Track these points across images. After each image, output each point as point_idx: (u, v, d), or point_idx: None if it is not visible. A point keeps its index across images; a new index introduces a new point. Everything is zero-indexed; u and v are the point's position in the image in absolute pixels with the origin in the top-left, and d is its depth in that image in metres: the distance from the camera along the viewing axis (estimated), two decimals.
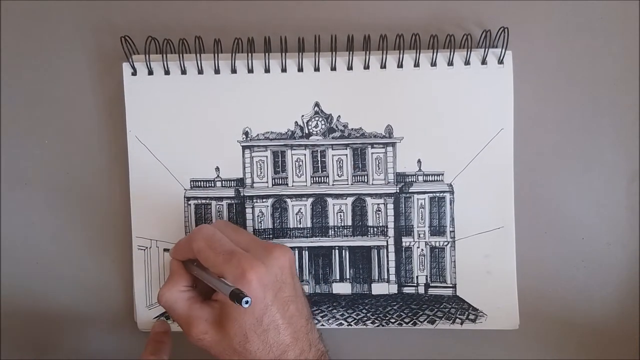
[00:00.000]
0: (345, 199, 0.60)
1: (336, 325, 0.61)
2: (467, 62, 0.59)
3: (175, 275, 0.53)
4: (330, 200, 0.60)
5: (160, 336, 0.57)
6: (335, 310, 0.61)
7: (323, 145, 0.60)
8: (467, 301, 0.60)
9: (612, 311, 0.61)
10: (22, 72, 0.61)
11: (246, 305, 0.46)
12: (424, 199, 0.60)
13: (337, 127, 0.60)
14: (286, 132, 0.60)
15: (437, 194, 0.60)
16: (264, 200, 0.61)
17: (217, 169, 0.60)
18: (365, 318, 0.61)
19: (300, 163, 0.60)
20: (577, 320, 0.61)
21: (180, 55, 0.59)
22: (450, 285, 0.60)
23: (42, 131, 0.62)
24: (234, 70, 0.59)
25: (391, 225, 0.60)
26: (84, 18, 0.61)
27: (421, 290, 0.61)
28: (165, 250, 0.59)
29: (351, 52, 0.58)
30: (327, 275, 0.61)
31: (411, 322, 0.60)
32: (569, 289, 0.61)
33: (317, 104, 0.59)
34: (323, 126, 0.60)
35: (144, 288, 0.60)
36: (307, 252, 0.61)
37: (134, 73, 0.59)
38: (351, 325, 0.60)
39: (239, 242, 0.52)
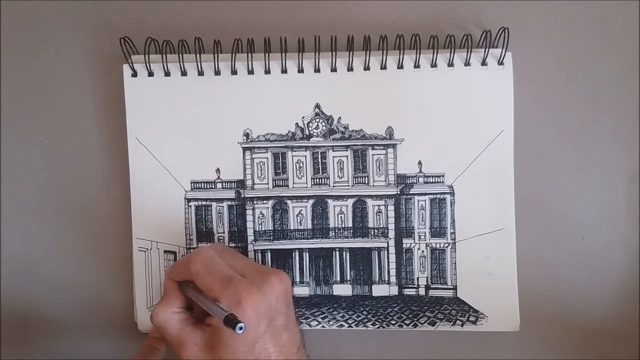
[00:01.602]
0: (346, 200, 0.60)
1: (336, 326, 0.61)
2: (467, 63, 0.59)
3: (169, 296, 0.53)
4: (330, 202, 0.60)
5: (155, 342, 0.57)
6: (335, 312, 0.61)
7: (324, 146, 0.60)
8: (467, 303, 0.60)
9: (612, 311, 0.61)
10: (22, 73, 0.61)
11: (240, 332, 0.45)
12: (425, 200, 0.60)
13: (337, 128, 0.60)
14: (287, 134, 0.60)
15: (438, 196, 0.60)
16: (265, 201, 0.60)
17: (218, 170, 0.60)
18: (366, 319, 0.60)
19: (301, 164, 0.60)
20: (577, 321, 0.61)
21: (180, 56, 0.58)
22: (451, 286, 0.60)
23: (42, 132, 0.62)
24: (234, 72, 0.59)
25: (392, 226, 0.60)
26: (83, 19, 0.61)
27: (422, 291, 0.61)
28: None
29: (351, 53, 0.58)
30: (327, 276, 0.61)
31: (412, 324, 0.60)
32: (570, 289, 0.61)
33: (317, 106, 0.59)
34: (324, 127, 0.60)
35: (145, 289, 0.60)
36: (307, 253, 0.61)
37: (134, 74, 0.59)
38: (351, 326, 0.60)
39: (237, 267, 0.51)
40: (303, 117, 0.60)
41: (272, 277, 0.51)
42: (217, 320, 0.47)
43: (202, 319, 0.52)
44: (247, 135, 0.60)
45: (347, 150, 0.60)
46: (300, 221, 0.61)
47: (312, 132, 0.60)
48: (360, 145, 0.60)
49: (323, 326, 0.60)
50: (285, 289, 0.51)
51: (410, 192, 0.60)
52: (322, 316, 0.61)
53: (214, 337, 0.50)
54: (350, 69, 0.59)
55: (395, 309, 0.60)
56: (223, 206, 0.61)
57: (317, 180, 0.60)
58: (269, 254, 0.61)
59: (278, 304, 0.50)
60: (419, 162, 0.60)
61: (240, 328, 0.45)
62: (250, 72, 0.59)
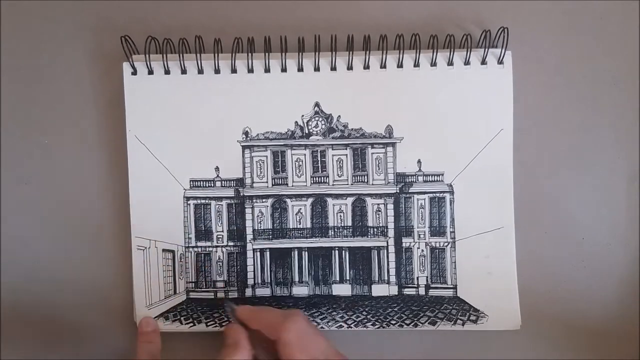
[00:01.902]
0: (345, 199, 0.60)
1: (336, 327, 0.60)
2: (467, 62, 0.59)
3: (243, 350, 0.51)
4: (330, 201, 0.60)
5: (150, 336, 0.56)
6: (335, 312, 0.60)
7: (323, 145, 0.60)
8: (468, 302, 0.60)
9: (612, 311, 0.61)
10: (22, 72, 0.61)
11: None
12: (424, 199, 0.60)
13: (337, 127, 0.60)
14: (286, 132, 0.60)
15: (437, 194, 0.60)
16: (264, 200, 0.60)
17: (217, 168, 0.60)
18: (366, 320, 0.60)
19: (300, 163, 0.60)
20: (578, 320, 0.61)
21: (181, 55, 0.59)
22: (451, 286, 0.60)
23: (42, 131, 0.62)
24: (234, 70, 0.59)
25: (391, 225, 0.60)
26: (84, 18, 0.61)
27: (422, 291, 0.60)
28: (231, 310, 0.55)
29: (351, 52, 0.58)
30: (326, 276, 0.61)
31: (412, 324, 0.60)
32: (570, 289, 0.61)
33: (317, 104, 0.59)
34: (323, 126, 0.60)
35: (144, 288, 0.60)
36: (306, 252, 0.61)
37: (134, 73, 0.59)
38: (351, 327, 0.60)
39: (321, 351, 0.51)
40: (303, 116, 0.60)
41: None
42: None
43: None
44: (246, 133, 0.60)
45: (346, 149, 0.60)
46: (300, 220, 0.60)
47: (311, 130, 0.60)
48: (360, 143, 0.60)
49: (322, 327, 0.60)
50: None
51: (409, 191, 0.60)
52: (321, 317, 0.60)
53: None
54: (350, 67, 0.59)
55: (395, 309, 0.60)
56: (222, 205, 0.61)
57: (317, 178, 0.60)
58: (268, 253, 0.61)
59: None
60: (419, 161, 0.59)
61: None
62: (250, 70, 0.59)
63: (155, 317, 0.60)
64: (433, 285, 0.60)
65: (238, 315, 0.54)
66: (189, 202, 0.60)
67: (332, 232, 0.61)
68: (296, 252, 0.61)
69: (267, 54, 0.59)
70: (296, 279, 0.61)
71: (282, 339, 0.50)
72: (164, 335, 0.59)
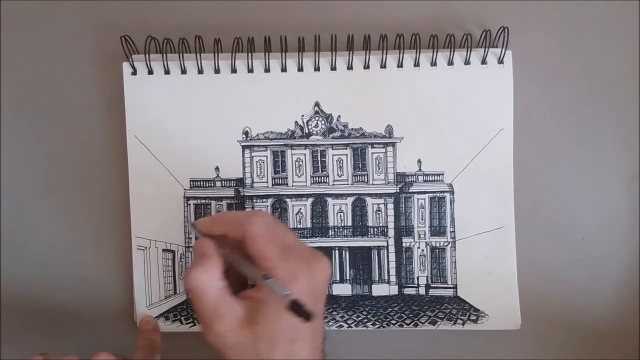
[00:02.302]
0: (345, 199, 0.60)
1: (336, 327, 0.60)
2: (467, 62, 0.59)
3: (210, 258, 0.47)
4: (330, 200, 0.60)
5: (150, 334, 0.56)
6: (335, 312, 0.60)
7: (323, 145, 0.60)
8: (468, 302, 0.60)
9: (612, 311, 0.61)
10: (22, 72, 0.61)
11: (309, 321, 0.42)
12: (424, 199, 0.60)
13: (337, 126, 0.60)
14: (286, 132, 0.60)
15: (437, 194, 0.60)
16: (264, 200, 0.60)
17: (217, 168, 0.60)
18: (366, 320, 0.60)
19: (300, 163, 0.60)
20: (578, 320, 0.61)
21: (180, 54, 0.59)
22: (451, 285, 0.60)
23: (42, 131, 0.62)
24: (234, 70, 0.59)
25: (391, 225, 0.60)
26: (84, 18, 0.61)
27: (422, 291, 0.60)
28: (193, 225, 0.52)
29: (351, 52, 0.58)
30: None
31: (412, 324, 0.60)
32: (570, 289, 0.61)
33: (317, 104, 0.59)
34: (323, 126, 0.60)
35: (144, 288, 0.60)
36: None
37: (134, 72, 0.59)
38: (351, 327, 0.60)
39: (291, 243, 0.48)
40: (302, 116, 0.60)
41: (323, 259, 0.48)
42: (260, 294, 0.44)
43: (236, 291, 0.48)
44: (246, 133, 0.60)
45: (346, 149, 0.60)
46: (300, 220, 0.60)
47: (311, 130, 0.60)
48: (360, 143, 0.60)
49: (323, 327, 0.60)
50: (330, 276, 0.49)
51: (409, 191, 0.60)
52: None
53: (254, 312, 0.46)
54: (350, 67, 0.59)
55: (396, 309, 0.60)
56: (222, 204, 0.60)
57: (317, 178, 0.60)
58: None
59: (324, 287, 0.49)
60: (419, 161, 0.59)
61: (308, 316, 0.42)
62: (250, 70, 0.59)
63: (156, 317, 0.60)
64: (433, 285, 0.60)
65: (200, 228, 0.50)
66: (189, 202, 0.60)
67: (332, 232, 0.61)
68: None
69: (267, 53, 0.59)
70: None
71: (249, 232, 0.46)
72: (164, 336, 0.59)
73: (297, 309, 0.43)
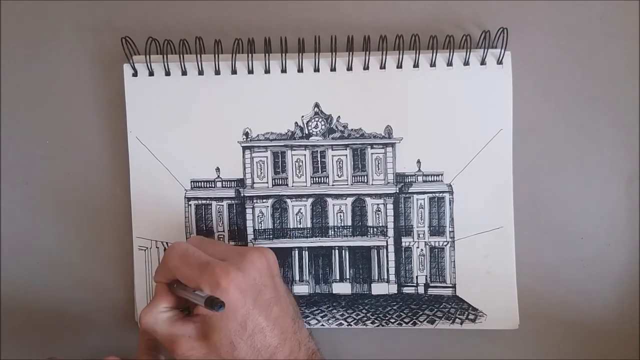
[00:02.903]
0: (345, 199, 0.61)
1: (336, 325, 0.61)
2: (466, 63, 0.59)
3: (156, 298, 0.53)
4: (330, 201, 0.61)
5: (151, 334, 0.57)
6: (335, 310, 0.61)
7: (323, 145, 0.60)
8: (466, 301, 0.60)
9: (612, 311, 0.61)
10: (23, 72, 0.62)
11: (220, 310, 0.46)
12: (424, 199, 0.60)
13: (336, 127, 0.60)
14: (286, 133, 0.60)
15: (437, 194, 0.60)
16: (264, 200, 0.61)
17: (218, 169, 0.60)
18: (365, 318, 0.61)
19: (300, 163, 0.60)
20: (577, 320, 0.61)
21: (181, 56, 0.59)
22: (450, 285, 0.60)
23: (43, 131, 0.62)
24: (234, 71, 0.59)
25: (391, 225, 0.61)
26: (84, 19, 0.61)
27: (421, 290, 0.61)
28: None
29: (351, 53, 0.58)
30: (327, 275, 0.61)
31: (411, 322, 0.60)
32: (569, 289, 0.61)
33: (317, 105, 0.60)
34: (323, 127, 0.60)
35: (145, 288, 0.61)
36: (307, 252, 0.61)
37: (135, 74, 0.59)
38: (351, 325, 0.61)
39: (215, 253, 0.51)
40: (302, 116, 0.60)
41: (251, 254, 0.51)
42: (204, 308, 0.47)
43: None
44: (246, 134, 0.60)
45: (346, 149, 0.60)
46: (300, 220, 0.61)
47: (311, 131, 0.60)
48: (360, 144, 0.60)
49: (322, 325, 0.61)
50: (268, 262, 0.52)
51: (409, 191, 0.60)
52: (321, 315, 0.61)
53: (204, 326, 0.50)
54: (349, 68, 0.59)
55: (395, 308, 0.61)
56: (223, 205, 0.61)
57: (317, 179, 0.61)
58: None
59: (262, 278, 0.51)
60: (418, 161, 0.60)
61: (220, 307, 0.46)
62: (250, 71, 0.59)
63: None
64: (432, 284, 0.61)
65: (154, 280, 0.54)
66: (190, 203, 0.60)
67: (332, 232, 0.61)
68: (296, 252, 0.61)
69: (267, 54, 0.59)
70: (297, 277, 0.61)
71: (169, 269, 0.51)
72: None
73: (211, 303, 0.46)
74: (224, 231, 0.61)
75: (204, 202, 0.61)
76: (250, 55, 0.59)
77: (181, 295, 0.51)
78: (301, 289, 0.61)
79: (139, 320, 0.52)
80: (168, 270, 0.51)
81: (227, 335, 0.49)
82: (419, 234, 0.61)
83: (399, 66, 0.59)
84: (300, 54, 0.59)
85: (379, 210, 0.61)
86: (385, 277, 0.61)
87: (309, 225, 0.61)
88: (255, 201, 0.61)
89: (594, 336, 0.61)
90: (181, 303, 0.53)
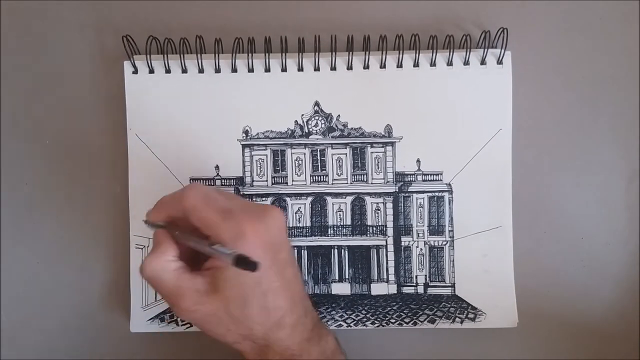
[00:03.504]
0: (345, 198, 0.61)
1: (335, 326, 0.60)
2: (466, 63, 0.59)
3: (161, 244, 0.48)
4: (329, 199, 0.61)
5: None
6: (334, 312, 0.61)
7: (323, 144, 0.60)
8: (466, 300, 0.60)
9: (611, 311, 0.61)
10: (23, 72, 0.62)
11: (257, 270, 0.42)
12: (423, 198, 0.60)
13: (336, 126, 0.60)
14: (286, 131, 0.60)
15: (436, 194, 0.60)
16: (264, 198, 0.61)
17: (217, 167, 0.60)
18: (365, 319, 0.60)
19: (300, 162, 0.60)
20: (576, 319, 0.61)
21: (181, 54, 0.59)
22: (449, 284, 0.60)
23: (43, 131, 0.62)
24: (234, 70, 0.59)
25: (390, 224, 0.60)
26: (85, 17, 0.61)
27: (420, 289, 0.60)
28: (145, 221, 0.51)
29: (351, 52, 0.58)
30: (326, 275, 0.61)
31: (411, 322, 0.60)
32: (568, 288, 0.61)
33: (317, 103, 0.60)
34: (323, 125, 0.60)
35: (140, 287, 0.60)
36: (306, 251, 0.61)
37: (135, 72, 0.59)
38: (350, 326, 0.60)
39: (233, 204, 0.48)
40: (302, 115, 0.60)
41: (272, 210, 0.48)
42: (218, 262, 0.45)
43: (195, 268, 0.49)
44: (246, 132, 0.60)
45: (346, 148, 0.60)
46: (299, 218, 0.61)
47: (311, 129, 0.60)
48: (359, 143, 0.60)
49: None
50: (284, 222, 0.49)
51: (408, 190, 0.60)
52: (320, 316, 0.61)
53: (216, 280, 0.47)
54: (349, 67, 0.59)
55: (395, 308, 0.60)
56: None
57: (316, 177, 0.61)
58: None
59: (281, 236, 0.49)
60: (418, 160, 0.60)
61: (255, 266, 0.42)
62: (251, 70, 0.59)
63: (151, 318, 0.60)
64: (432, 284, 0.60)
65: (150, 220, 0.50)
66: None
67: (332, 231, 0.61)
68: (295, 251, 0.61)
69: (267, 53, 0.59)
70: None
71: (185, 207, 0.47)
72: (161, 337, 0.59)
73: (243, 262, 0.43)
74: None
75: None
76: (250, 54, 0.59)
77: (189, 243, 0.48)
78: None
79: (142, 269, 0.48)
80: (178, 208, 0.47)
81: (241, 290, 0.46)
82: (418, 233, 0.60)
83: (399, 65, 0.59)
84: (301, 53, 0.59)
85: (379, 210, 0.61)
86: (385, 276, 0.61)
87: (308, 224, 0.61)
88: (254, 199, 0.61)
89: (593, 335, 0.61)
90: (184, 255, 0.49)
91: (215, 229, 0.46)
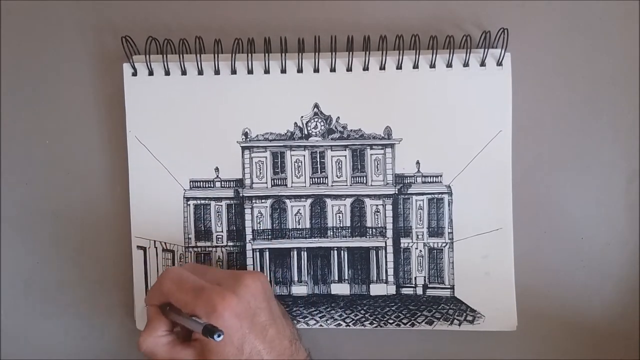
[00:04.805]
0: (344, 199, 0.61)
1: (334, 325, 0.61)
2: (466, 64, 0.59)
3: (152, 321, 0.53)
4: (329, 201, 0.61)
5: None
6: (333, 311, 0.61)
7: (322, 146, 0.60)
8: (465, 302, 0.60)
9: (611, 311, 0.61)
10: (23, 72, 0.62)
11: (219, 339, 0.46)
12: (423, 200, 0.60)
13: (336, 128, 0.60)
14: (285, 133, 0.60)
15: (436, 195, 0.60)
16: (263, 200, 0.61)
17: (217, 169, 0.60)
18: (364, 319, 0.61)
19: (300, 164, 0.60)
20: (576, 320, 0.61)
21: (181, 55, 0.59)
22: (449, 286, 0.60)
23: (43, 131, 0.62)
24: (233, 71, 0.59)
25: (390, 226, 0.61)
26: (84, 18, 0.61)
27: (419, 291, 0.61)
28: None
29: (351, 53, 0.58)
30: (325, 276, 0.61)
31: (409, 323, 0.60)
32: (568, 289, 0.61)
33: (316, 105, 0.60)
34: (322, 127, 0.60)
35: (143, 288, 0.61)
36: (305, 252, 0.61)
37: (135, 73, 0.59)
38: (349, 325, 0.61)
39: (209, 279, 0.52)
40: (302, 117, 0.60)
41: (245, 278, 0.52)
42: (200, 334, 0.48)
43: (189, 338, 0.53)
44: (246, 134, 0.60)
45: (345, 150, 0.60)
46: (299, 220, 0.61)
47: (310, 131, 0.60)
48: (359, 145, 0.60)
49: (321, 325, 0.61)
50: (262, 286, 0.52)
51: (408, 192, 0.60)
52: (320, 315, 0.61)
53: (203, 350, 0.51)
54: (349, 69, 0.59)
55: (393, 308, 0.61)
56: (222, 205, 0.61)
57: (316, 179, 0.61)
58: (267, 253, 0.61)
59: (257, 301, 0.51)
60: (417, 162, 0.60)
61: (219, 336, 0.46)
62: (250, 71, 0.59)
63: None
64: (431, 285, 0.61)
65: (146, 302, 0.54)
66: (188, 203, 0.60)
67: (331, 233, 0.61)
68: (295, 252, 0.61)
69: (266, 55, 0.59)
70: (295, 278, 0.61)
71: (164, 293, 0.51)
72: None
73: (209, 332, 0.47)
74: (222, 231, 0.61)
75: (202, 202, 0.61)
76: (249, 55, 0.59)
77: (176, 320, 0.52)
78: (300, 290, 0.61)
79: (139, 346, 0.52)
80: (161, 293, 0.52)
81: (224, 358, 0.50)
82: (417, 235, 0.60)
83: (399, 67, 0.59)
84: (300, 54, 0.58)
85: (378, 211, 0.61)
86: (384, 277, 0.61)
87: (307, 225, 0.61)
88: (254, 201, 0.61)
89: (593, 337, 0.61)
90: (176, 325, 0.53)
91: (191, 307, 0.50)
